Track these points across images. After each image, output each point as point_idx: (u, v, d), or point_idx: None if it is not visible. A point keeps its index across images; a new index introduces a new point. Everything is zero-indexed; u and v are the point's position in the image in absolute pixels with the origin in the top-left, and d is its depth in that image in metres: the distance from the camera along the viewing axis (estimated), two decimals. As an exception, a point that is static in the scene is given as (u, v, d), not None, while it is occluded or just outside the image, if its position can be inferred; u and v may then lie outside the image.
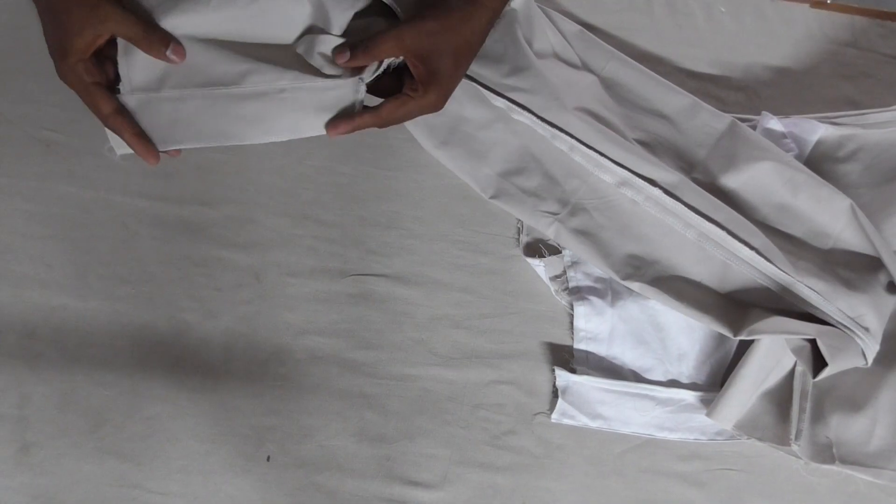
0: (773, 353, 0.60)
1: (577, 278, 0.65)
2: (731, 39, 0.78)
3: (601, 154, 0.62)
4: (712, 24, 0.79)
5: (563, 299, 0.65)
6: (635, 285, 0.63)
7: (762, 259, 0.60)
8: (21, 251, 0.61)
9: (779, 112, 0.68)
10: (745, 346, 0.62)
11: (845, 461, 0.60)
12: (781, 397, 0.62)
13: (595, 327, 0.64)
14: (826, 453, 0.60)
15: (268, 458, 0.58)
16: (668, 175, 0.60)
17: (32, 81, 0.67)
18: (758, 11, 0.80)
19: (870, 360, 0.59)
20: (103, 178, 0.64)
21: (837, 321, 0.59)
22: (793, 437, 0.60)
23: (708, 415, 0.60)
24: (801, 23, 0.81)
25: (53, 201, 0.63)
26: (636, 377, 0.63)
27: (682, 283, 0.63)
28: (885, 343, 0.61)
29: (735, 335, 0.61)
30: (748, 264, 0.60)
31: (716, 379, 0.64)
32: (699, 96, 0.68)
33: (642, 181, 0.61)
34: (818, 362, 0.58)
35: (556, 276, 0.66)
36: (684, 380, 0.64)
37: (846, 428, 0.61)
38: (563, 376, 0.62)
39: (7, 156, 0.64)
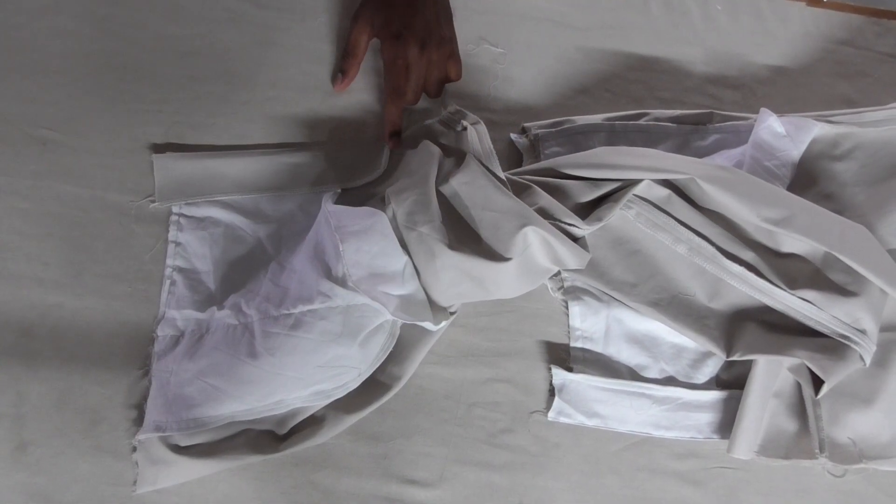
0: (772, 370, 0.60)
1: (573, 277, 0.65)
2: (727, 38, 0.78)
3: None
4: (708, 23, 0.79)
5: (559, 298, 0.65)
6: (631, 304, 0.63)
7: (752, 274, 0.59)
8: (17, 249, 0.61)
9: (775, 110, 0.68)
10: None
11: (868, 457, 0.60)
12: (794, 411, 0.62)
13: (590, 326, 0.64)
14: (851, 454, 0.60)
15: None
16: (658, 190, 0.60)
17: (29, 80, 0.67)
18: (754, 9, 0.80)
19: (868, 362, 0.58)
20: (100, 176, 0.64)
21: (833, 329, 0.58)
22: (817, 449, 0.60)
23: (729, 451, 0.60)
24: (797, 21, 0.81)
25: (50, 200, 0.63)
26: (633, 375, 0.63)
27: (677, 303, 0.63)
28: (885, 333, 0.61)
29: (728, 356, 0.61)
30: (739, 278, 0.60)
31: (712, 377, 0.64)
32: (695, 95, 0.68)
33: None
34: (818, 377, 0.58)
35: (553, 275, 0.65)
36: (681, 378, 0.64)
37: (863, 424, 0.61)
38: (559, 374, 0.62)
39: (3, 154, 0.64)
